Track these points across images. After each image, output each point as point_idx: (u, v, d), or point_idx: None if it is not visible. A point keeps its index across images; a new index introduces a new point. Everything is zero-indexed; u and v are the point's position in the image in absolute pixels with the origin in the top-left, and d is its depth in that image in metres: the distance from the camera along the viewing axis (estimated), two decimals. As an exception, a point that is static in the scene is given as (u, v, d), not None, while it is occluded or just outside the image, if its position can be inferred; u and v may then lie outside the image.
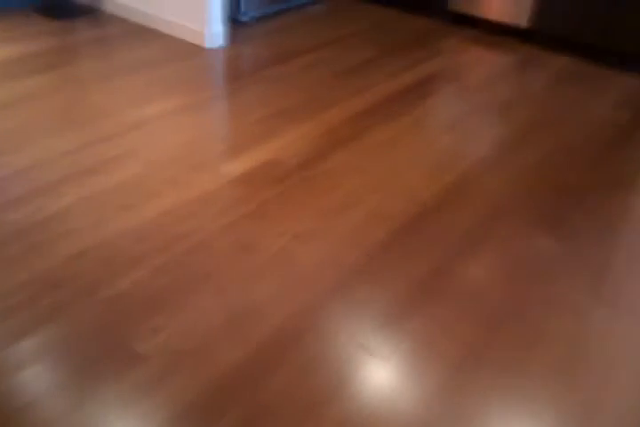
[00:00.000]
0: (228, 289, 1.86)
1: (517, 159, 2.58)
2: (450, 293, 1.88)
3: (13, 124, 2.68)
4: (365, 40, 3.77)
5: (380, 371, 1.61)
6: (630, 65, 3.48)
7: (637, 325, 1.81)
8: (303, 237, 2.10)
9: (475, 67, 3.43)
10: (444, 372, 1.61)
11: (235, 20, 3.86)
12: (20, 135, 2.60)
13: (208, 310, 1.78)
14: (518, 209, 2.27)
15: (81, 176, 2.34)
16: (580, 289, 1.93)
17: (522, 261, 2.03)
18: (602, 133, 2.80)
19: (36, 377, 1.55)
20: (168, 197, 2.27)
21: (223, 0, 3.51)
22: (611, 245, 2.12)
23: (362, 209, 2.25)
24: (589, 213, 2.27)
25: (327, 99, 3.04)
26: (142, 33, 3.68)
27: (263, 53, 3.55)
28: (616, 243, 2.14)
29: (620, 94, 3.18)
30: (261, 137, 2.69)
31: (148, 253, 1.99)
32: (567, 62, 3.53)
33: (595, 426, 1.50)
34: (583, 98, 3.11)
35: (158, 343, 1.66)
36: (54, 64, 3.24)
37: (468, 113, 2.92)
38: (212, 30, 3.53)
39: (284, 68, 3.38)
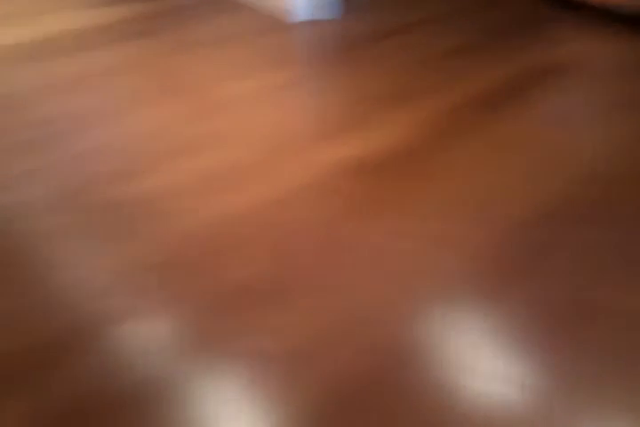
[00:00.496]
0: (327, 288, 1.70)
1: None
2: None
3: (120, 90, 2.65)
4: (463, 21, 3.38)
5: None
6: None
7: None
8: (398, 236, 1.88)
9: (588, 57, 3.02)
10: None
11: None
12: (108, 108, 2.55)
13: (311, 310, 1.64)
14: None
15: (172, 155, 2.26)
16: None
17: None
18: None
19: None
20: (257, 183, 2.01)
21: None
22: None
23: (466, 212, 2.00)
24: None
25: (424, 86, 2.65)
26: (225, 4, 3.35)
27: (354, 30, 3.14)
28: None
29: None
30: (354, 123, 2.35)
31: (245, 242, 1.80)
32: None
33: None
34: None
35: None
36: (143, 32, 3.20)
37: (588, 110, 2.57)
38: (300, 3, 3.14)
39: (375, 48, 2.97)
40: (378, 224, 1.98)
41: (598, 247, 1.86)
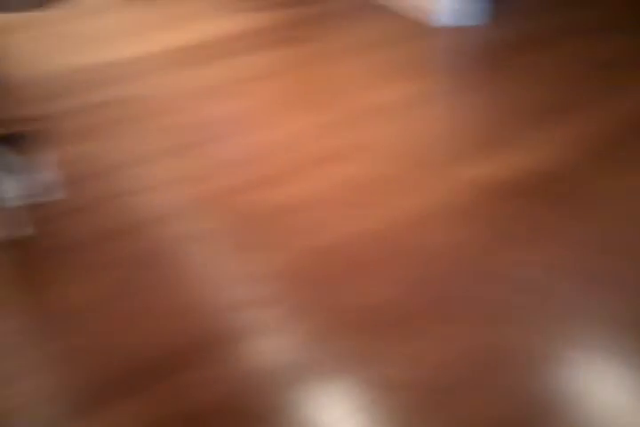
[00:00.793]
0: (458, 319, 1.64)
1: None
2: None
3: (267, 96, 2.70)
4: (615, 29, 3.19)
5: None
6: None
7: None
8: (552, 269, 1.75)
9: None
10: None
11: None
12: (252, 114, 2.59)
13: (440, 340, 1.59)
14: None
15: (315, 163, 2.29)
16: None
17: None
18: None
19: None
20: (397, 198, 2.03)
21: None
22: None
23: (628, 248, 1.81)
24: None
25: (579, 101, 2.55)
26: (369, 8, 3.41)
27: (499, 37, 3.12)
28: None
29: None
30: (500, 139, 2.31)
31: (377, 262, 1.80)
32: None
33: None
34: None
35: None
36: (292, 39, 3.22)
37: None
38: (445, 8, 3.22)
39: (522, 57, 2.90)
40: (528, 254, 1.81)
41: None
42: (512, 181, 2.15)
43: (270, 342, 1.63)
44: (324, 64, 3.04)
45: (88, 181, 2.27)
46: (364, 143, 2.41)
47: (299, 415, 1.43)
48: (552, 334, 1.58)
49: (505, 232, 1.92)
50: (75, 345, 1.66)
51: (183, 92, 2.81)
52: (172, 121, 2.60)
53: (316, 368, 1.54)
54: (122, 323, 1.72)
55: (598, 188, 2.08)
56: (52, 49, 3.17)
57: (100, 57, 3.08)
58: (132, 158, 2.39)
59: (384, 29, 3.36)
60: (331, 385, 1.50)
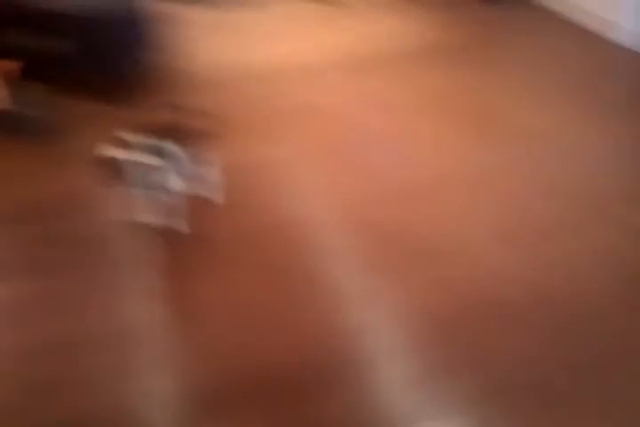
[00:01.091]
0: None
1: None
2: None
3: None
4: None
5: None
6: None
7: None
8: None
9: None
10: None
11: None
12: (418, 133, 2.54)
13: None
14: None
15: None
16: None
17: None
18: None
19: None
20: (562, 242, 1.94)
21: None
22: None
23: None
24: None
25: None
26: (552, 21, 3.29)
27: None
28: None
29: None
30: None
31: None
32: None
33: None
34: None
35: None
36: (459, 56, 3.11)
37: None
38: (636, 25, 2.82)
39: None
40: None
41: None
42: None
43: (390, 370, 1.61)
44: (498, 88, 2.91)
45: (245, 182, 2.36)
46: (541, 188, 2.25)
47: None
48: None
49: None
50: (205, 343, 1.74)
51: (350, 100, 2.83)
52: (337, 128, 2.64)
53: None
54: (253, 327, 1.77)
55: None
56: (231, 45, 3.32)
57: (273, 55, 3.18)
58: (290, 161, 2.45)
59: (564, 46, 3.12)
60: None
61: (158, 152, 1.96)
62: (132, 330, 1.81)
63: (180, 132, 2.11)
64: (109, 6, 2.70)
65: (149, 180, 1.93)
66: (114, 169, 1.88)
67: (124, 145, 1.94)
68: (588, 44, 3.12)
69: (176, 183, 2.03)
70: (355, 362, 1.64)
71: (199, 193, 2.20)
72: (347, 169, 2.40)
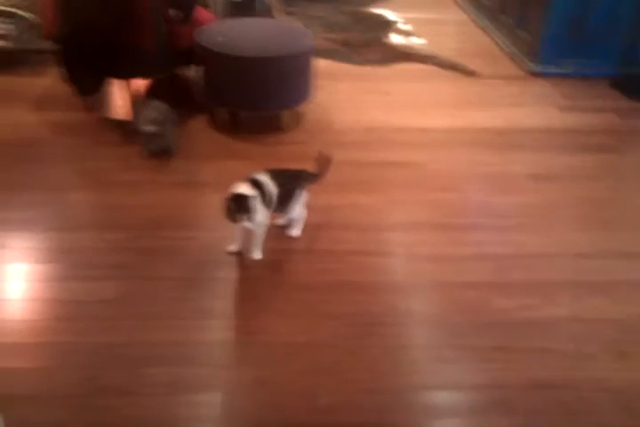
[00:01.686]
0: None
1: None
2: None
3: (542, 199, 2.60)
4: None
5: None
6: None
7: None
8: None
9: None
10: None
11: None
12: (543, 214, 2.51)
13: None
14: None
15: (581, 289, 2.14)
16: None
17: None
18: None
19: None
20: None
21: None
22: None
23: None
24: None
25: None
26: None
27: None
28: None
29: None
30: None
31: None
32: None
33: None
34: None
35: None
36: (605, 146, 3.06)
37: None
38: None
39: None
40: None
41: None
42: None
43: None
44: (617, 179, 2.80)
45: (335, 229, 2.36)
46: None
47: None
48: None
49: None
50: (269, 376, 1.74)
51: (467, 173, 2.79)
52: (445, 198, 2.58)
53: None
54: (317, 377, 1.74)
55: None
56: (366, 102, 3.39)
57: (407, 121, 3.21)
58: (388, 222, 2.42)
59: None
60: None
61: (255, 183, 2.07)
62: (193, 349, 1.82)
63: (305, 174, 2.24)
64: (275, 49, 2.86)
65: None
66: (243, 206, 1.98)
67: (255, 183, 2.05)
68: None
69: (264, 214, 2.11)
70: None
71: (283, 225, 2.28)
72: (453, 241, 2.34)
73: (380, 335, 1.90)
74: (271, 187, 2.09)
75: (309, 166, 2.24)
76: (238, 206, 1.98)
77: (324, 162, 2.25)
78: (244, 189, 2.02)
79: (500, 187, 2.69)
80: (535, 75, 3.78)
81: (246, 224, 2.06)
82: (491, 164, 2.85)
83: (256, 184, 2.06)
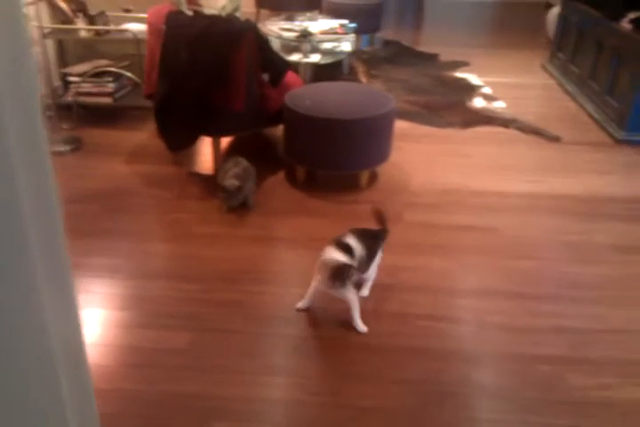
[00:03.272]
0: None
1: None
2: None
3: (625, 272, 2.52)
4: None
5: None
6: None
7: None
8: None
9: None
10: None
11: None
12: (626, 287, 2.42)
13: None
14: None
15: None
16: None
17: None
18: None
19: None
20: None
21: None
22: None
23: None
24: None
25: None
26: None
27: None
28: None
29: None
30: None
31: None
32: None
33: None
34: None
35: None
36: None
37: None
38: None
39: None
40: None
41: None
42: None
43: None
44: None
45: (404, 291, 2.34)
46: None
47: None
48: None
49: None
50: None
51: (545, 241, 2.72)
52: (521, 266, 2.51)
53: None
54: None
55: None
56: (444, 165, 3.42)
57: (485, 184, 3.21)
58: (460, 287, 2.36)
59: None
60: None
61: (346, 247, 2.09)
62: (258, 405, 1.82)
63: (375, 231, 2.26)
64: (357, 112, 2.96)
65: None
66: (343, 275, 2.00)
67: (346, 248, 2.08)
68: None
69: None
70: None
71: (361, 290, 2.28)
72: (526, 313, 2.26)
73: (449, 406, 1.84)
74: (360, 250, 2.10)
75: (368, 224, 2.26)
76: (337, 275, 1.99)
77: (381, 216, 2.27)
78: (339, 255, 2.03)
79: (581, 257, 2.59)
80: (622, 142, 3.69)
81: (342, 292, 2.07)
82: (571, 232, 2.77)
83: (347, 249, 2.07)
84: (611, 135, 3.78)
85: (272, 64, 3.13)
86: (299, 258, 2.54)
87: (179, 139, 3.16)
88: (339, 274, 1.99)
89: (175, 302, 2.24)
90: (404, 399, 1.86)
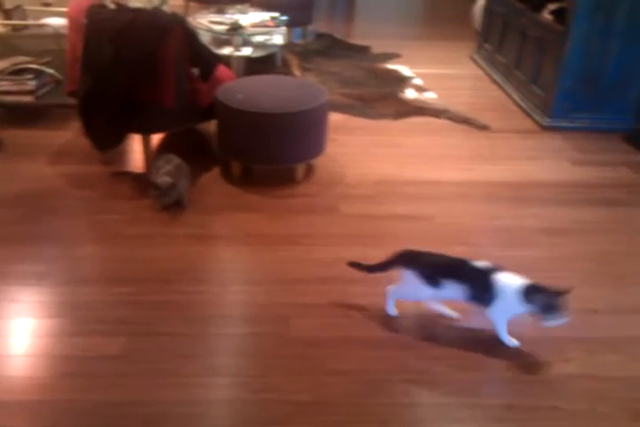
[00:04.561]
0: None
1: None
2: None
3: (553, 254, 2.58)
4: None
5: None
6: None
7: None
8: None
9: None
10: None
11: None
12: (555, 268, 2.48)
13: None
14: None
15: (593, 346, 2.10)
16: None
17: None
18: None
19: None
20: None
21: None
22: None
23: None
24: None
25: None
26: None
27: None
28: None
29: None
30: None
31: None
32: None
33: None
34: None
35: None
36: (618, 200, 3.05)
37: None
38: None
39: None
40: None
41: None
42: None
43: None
44: (631, 234, 2.76)
45: (343, 283, 2.34)
46: None
47: None
48: None
49: None
50: None
51: (478, 227, 2.78)
52: (454, 252, 2.54)
53: None
54: None
55: None
56: (378, 156, 3.44)
57: (418, 174, 3.24)
58: (397, 276, 2.37)
59: None
60: None
61: None
62: (198, 408, 1.78)
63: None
64: (290, 106, 2.93)
65: None
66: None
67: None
68: None
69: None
70: None
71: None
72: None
73: (388, 393, 1.85)
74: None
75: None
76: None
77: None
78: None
79: (512, 241, 2.66)
80: (548, 129, 3.81)
81: None
82: (502, 217, 2.84)
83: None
84: (537, 122, 3.90)
85: (201, 58, 3.06)
86: (236, 255, 2.50)
87: (106, 137, 3.05)
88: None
89: (108, 307, 2.17)
90: (343, 390, 1.86)
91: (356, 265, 2.18)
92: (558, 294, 1.90)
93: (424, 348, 2.05)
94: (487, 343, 2.06)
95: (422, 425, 1.77)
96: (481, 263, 2.04)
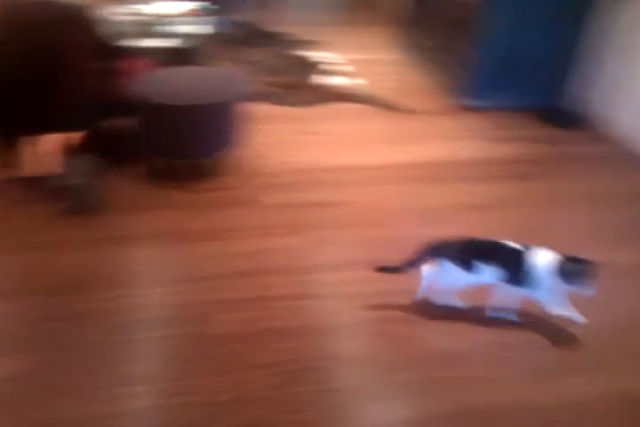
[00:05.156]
0: None
1: None
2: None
3: (471, 230, 2.46)
4: None
5: None
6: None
7: None
8: None
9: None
10: None
11: None
12: None
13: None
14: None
15: None
16: None
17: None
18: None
19: None
20: None
21: None
22: None
23: None
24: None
25: None
26: (621, 158, 3.34)
27: None
28: None
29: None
30: None
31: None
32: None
33: None
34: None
35: None
36: (527, 174, 3.13)
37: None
38: None
39: None
40: None
41: None
42: None
43: None
44: (550, 206, 2.84)
45: (262, 275, 2.32)
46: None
47: None
48: None
49: None
50: None
51: (402, 209, 2.79)
52: (374, 234, 2.55)
53: None
54: None
55: None
56: (299, 144, 3.40)
57: (339, 160, 3.23)
58: (317, 263, 2.37)
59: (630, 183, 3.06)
60: None
61: None
62: (116, 421, 1.73)
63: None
64: (204, 97, 2.86)
65: None
66: None
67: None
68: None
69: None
70: None
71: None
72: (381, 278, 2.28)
73: (308, 382, 1.85)
74: None
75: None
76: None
77: None
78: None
79: (431, 219, 2.69)
80: (470, 109, 3.85)
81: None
82: (422, 197, 2.86)
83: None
84: (459, 103, 3.94)
85: (109, 51, 2.96)
86: (155, 255, 2.43)
87: (11, 136, 2.91)
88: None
89: (13, 323, 2.06)
90: (262, 384, 1.84)
91: (384, 269, 2.12)
92: (589, 263, 1.89)
93: (343, 331, 2.05)
94: (408, 323, 2.08)
95: (338, 410, 1.77)
96: (513, 244, 2.02)
